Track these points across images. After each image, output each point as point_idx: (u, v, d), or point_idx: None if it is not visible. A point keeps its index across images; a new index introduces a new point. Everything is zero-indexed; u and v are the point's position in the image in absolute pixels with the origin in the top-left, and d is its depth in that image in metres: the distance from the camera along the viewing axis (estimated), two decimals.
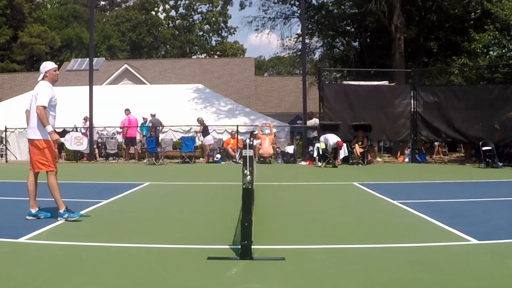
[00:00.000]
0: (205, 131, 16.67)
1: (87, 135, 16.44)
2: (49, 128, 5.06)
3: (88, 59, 20.72)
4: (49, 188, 5.19)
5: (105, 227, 5.11)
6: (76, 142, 4.54)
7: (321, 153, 13.75)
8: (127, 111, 17.24)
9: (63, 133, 18.53)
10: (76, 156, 17.20)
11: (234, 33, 58.60)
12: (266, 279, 3.28)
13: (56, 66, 5.49)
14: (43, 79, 5.27)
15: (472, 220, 5.28)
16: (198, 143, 17.10)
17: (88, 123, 17.00)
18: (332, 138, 13.38)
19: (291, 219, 5.60)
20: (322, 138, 13.74)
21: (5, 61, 41.14)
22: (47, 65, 5.34)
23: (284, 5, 25.25)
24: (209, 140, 16.57)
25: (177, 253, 4.00)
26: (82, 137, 4.70)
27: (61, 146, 17.78)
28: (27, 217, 5.24)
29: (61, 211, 5.16)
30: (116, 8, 56.53)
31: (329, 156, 13.58)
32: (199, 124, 16.84)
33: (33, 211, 5.28)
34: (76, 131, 17.65)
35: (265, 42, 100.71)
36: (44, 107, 5.04)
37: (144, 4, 52.68)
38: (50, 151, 5.18)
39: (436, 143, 17.20)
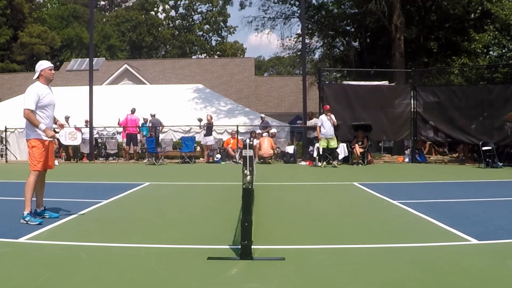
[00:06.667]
0: (208, 130, 16.58)
1: (81, 130, 16.45)
2: (42, 126, 5.08)
3: (88, 59, 20.72)
4: (25, 186, 5.14)
5: (105, 227, 5.11)
6: (70, 137, 4.60)
7: (321, 153, 13.74)
8: (132, 111, 17.27)
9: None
10: (76, 156, 17.22)
11: (233, 33, 58.61)
12: (266, 279, 3.28)
13: (52, 65, 5.46)
14: (38, 78, 5.27)
15: (472, 220, 5.28)
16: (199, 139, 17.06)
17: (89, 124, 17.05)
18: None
19: (291, 219, 5.60)
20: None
21: (5, 61, 41.12)
22: (43, 64, 5.33)
23: (284, 5, 25.26)
24: (210, 140, 16.52)
25: (177, 253, 4.00)
26: (76, 132, 4.77)
27: (61, 146, 17.81)
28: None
29: (25, 213, 5.06)
30: (116, 8, 56.53)
31: (328, 157, 13.60)
32: (207, 120, 16.69)
33: (38, 210, 5.35)
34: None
35: (265, 42, 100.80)
36: (30, 110, 5.04)
37: (143, 4, 52.68)
38: (38, 151, 5.13)
39: (428, 143, 17.14)
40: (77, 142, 4.97)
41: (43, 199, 5.44)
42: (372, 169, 13.36)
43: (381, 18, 19.97)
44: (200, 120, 16.61)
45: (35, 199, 5.30)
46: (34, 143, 5.13)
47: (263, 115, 18.83)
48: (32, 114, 5.04)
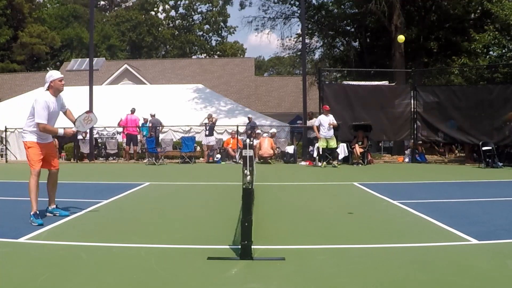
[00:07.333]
0: (210, 130, 16.57)
1: (91, 111, 16.56)
2: (61, 131, 5.39)
3: (88, 59, 20.71)
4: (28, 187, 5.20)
5: (105, 227, 5.11)
6: (86, 123, 4.64)
7: (321, 153, 13.74)
8: (132, 111, 17.25)
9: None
10: (76, 156, 17.22)
11: (233, 33, 58.59)
12: (266, 279, 3.28)
13: (62, 75, 5.45)
14: (47, 89, 5.28)
15: (472, 220, 5.28)
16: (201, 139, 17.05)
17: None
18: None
19: (291, 219, 5.60)
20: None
21: (5, 61, 41.12)
22: (53, 75, 5.34)
23: (284, 5, 25.26)
24: (212, 140, 16.51)
25: (177, 253, 4.00)
26: (88, 115, 4.76)
27: (61, 146, 17.83)
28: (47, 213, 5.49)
29: (31, 213, 5.08)
30: (116, 8, 56.52)
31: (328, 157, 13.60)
32: (211, 119, 16.71)
33: (50, 207, 5.55)
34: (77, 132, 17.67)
35: (265, 42, 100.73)
36: (44, 124, 5.13)
37: (143, 4, 52.67)
38: (34, 151, 5.21)
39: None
40: (94, 123, 5.01)
41: (56, 199, 5.64)
42: (372, 169, 13.36)
43: (381, 18, 19.97)
44: (210, 116, 16.69)
45: (47, 199, 5.55)
46: (30, 144, 5.24)
47: (250, 116, 18.80)
48: (47, 126, 5.17)
